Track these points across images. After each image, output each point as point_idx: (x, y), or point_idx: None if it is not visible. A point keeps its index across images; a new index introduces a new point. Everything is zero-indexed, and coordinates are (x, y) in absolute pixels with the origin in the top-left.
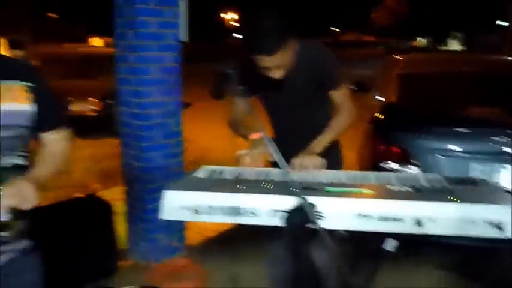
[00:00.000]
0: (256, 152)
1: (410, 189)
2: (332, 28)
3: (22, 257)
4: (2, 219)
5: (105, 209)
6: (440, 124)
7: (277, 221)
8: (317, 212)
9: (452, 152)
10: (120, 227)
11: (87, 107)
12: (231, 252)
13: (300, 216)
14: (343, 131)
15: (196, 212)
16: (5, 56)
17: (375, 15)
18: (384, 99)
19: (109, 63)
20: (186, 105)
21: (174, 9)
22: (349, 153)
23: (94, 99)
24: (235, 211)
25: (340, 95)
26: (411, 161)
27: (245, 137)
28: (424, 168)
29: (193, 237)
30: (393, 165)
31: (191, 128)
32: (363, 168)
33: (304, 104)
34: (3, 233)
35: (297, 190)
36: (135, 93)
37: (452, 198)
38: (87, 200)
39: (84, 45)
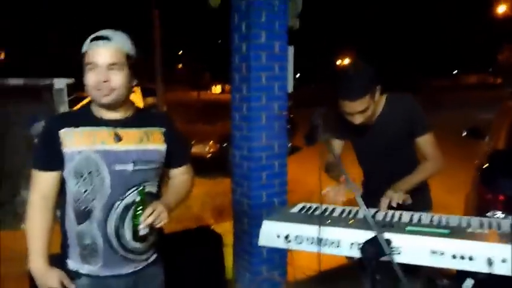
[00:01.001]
0: (341, 188)
1: (487, 232)
2: (455, 71)
3: (150, 266)
4: (142, 233)
5: (216, 240)
6: None
7: (357, 253)
8: (392, 246)
9: None
10: (229, 259)
11: (206, 149)
12: None
13: (374, 249)
14: (429, 177)
15: (288, 240)
16: (146, 109)
17: (502, 56)
18: (492, 146)
19: (225, 109)
20: (297, 148)
21: (282, 64)
22: (455, 198)
23: (212, 143)
24: (320, 241)
25: (427, 142)
26: None
27: (336, 179)
28: None
29: (293, 274)
30: (499, 214)
31: (299, 171)
32: (468, 215)
33: (392, 150)
34: (140, 244)
35: (373, 224)
36: (246, 138)
37: None
38: (202, 231)
39: (206, 93)
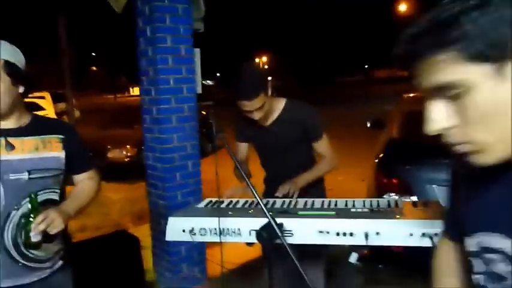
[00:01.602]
0: (238, 190)
1: (367, 210)
2: (366, 66)
3: (55, 273)
4: (33, 240)
5: (133, 243)
6: (435, 157)
7: (254, 239)
8: (285, 229)
9: (445, 182)
10: (149, 261)
11: (123, 153)
12: (249, 283)
13: (268, 233)
14: (323, 175)
15: (192, 233)
16: (45, 117)
17: None
18: (388, 135)
19: None
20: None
21: (189, 66)
22: (360, 186)
23: (129, 147)
24: (222, 232)
25: (322, 145)
26: (410, 191)
27: (240, 179)
28: (421, 198)
29: (214, 269)
30: (394, 196)
31: (220, 169)
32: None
33: (288, 151)
34: (37, 252)
35: (270, 213)
36: (158, 140)
37: (397, 216)
38: (118, 236)
39: (123, 95)
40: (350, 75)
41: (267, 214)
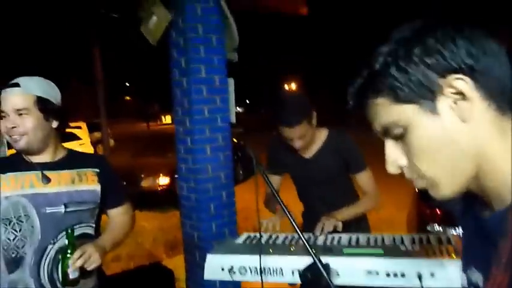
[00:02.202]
0: (275, 219)
1: (418, 248)
2: None
3: None
4: (72, 277)
5: (167, 276)
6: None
7: (299, 279)
8: (330, 270)
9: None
10: None
11: (157, 182)
12: None
13: (313, 274)
14: (364, 211)
15: (232, 272)
16: (80, 151)
17: None
18: None
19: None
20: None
21: (223, 96)
22: (399, 214)
23: (163, 175)
24: (264, 271)
25: (363, 178)
26: (455, 222)
27: (273, 212)
28: None
29: None
30: (437, 227)
31: (253, 197)
32: (410, 231)
33: (329, 184)
34: None
35: (314, 251)
36: (192, 170)
37: (453, 255)
38: (153, 268)
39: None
40: None
41: (312, 253)
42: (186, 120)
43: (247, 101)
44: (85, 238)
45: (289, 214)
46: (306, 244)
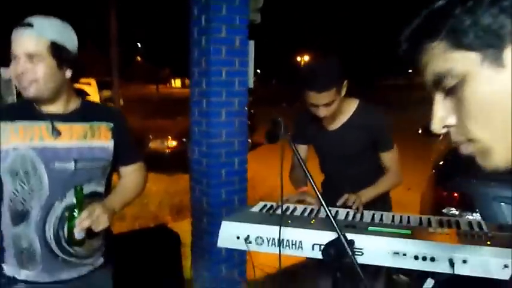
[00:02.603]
0: (294, 196)
1: (448, 232)
2: (409, 70)
3: (96, 271)
4: (77, 237)
5: (174, 239)
6: (504, 172)
7: (319, 255)
8: (355, 247)
9: None
10: (187, 258)
11: (165, 144)
12: None
13: (337, 250)
14: (388, 190)
15: (248, 241)
16: (94, 102)
17: None
18: (447, 144)
19: (185, 104)
20: (257, 145)
21: (243, 59)
22: (413, 195)
23: (171, 138)
24: (282, 243)
25: (389, 157)
26: (473, 207)
27: (297, 188)
28: (486, 215)
29: (254, 273)
30: (454, 211)
31: (260, 167)
32: (424, 212)
33: (353, 159)
34: (79, 249)
35: (335, 226)
36: (205, 134)
37: (488, 242)
38: (159, 231)
39: (165, 87)
40: (390, 79)
41: (338, 229)
42: (202, 81)
43: (258, 71)
44: (94, 197)
45: (315, 186)
46: (331, 218)
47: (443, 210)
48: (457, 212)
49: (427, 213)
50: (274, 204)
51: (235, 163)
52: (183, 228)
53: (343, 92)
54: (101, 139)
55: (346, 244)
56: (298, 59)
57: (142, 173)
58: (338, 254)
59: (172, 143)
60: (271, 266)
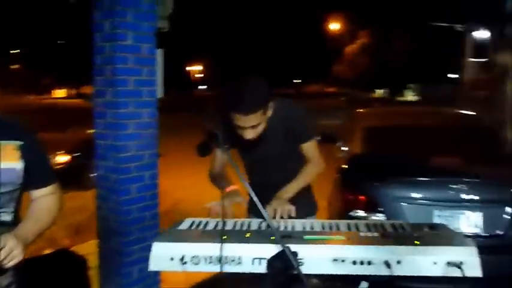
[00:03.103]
0: (227, 202)
1: (378, 235)
2: (295, 80)
3: None
4: None
5: (80, 264)
6: (404, 174)
7: (260, 269)
8: (298, 258)
9: (415, 200)
10: (94, 283)
11: (55, 160)
12: None
13: (283, 263)
14: (310, 180)
15: (183, 262)
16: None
17: (336, 68)
18: (349, 150)
19: (75, 115)
20: (158, 155)
21: (151, 68)
22: (320, 202)
23: (62, 153)
24: (220, 260)
25: (310, 148)
26: (377, 209)
27: (222, 189)
28: (389, 216)
29: None
30: (361, 213)
31: (162, 178)
32: (332, 216)
33: (278, 157)
34: None
35: (278, 239)
36: (112, 148)
37: (416, 242)
38: (61, 255)
39: (47, 97)
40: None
41: (281, 242)
42: (107, 91)
43: None
44: (2, 226)
45: (254, 194)
46: (275, 231)
47: (350, 213)
48: (363, 214)
49: (336, 216)
50: (203, 220)
51: (146, 177)
52: (88, 251)
53: (270, 113)
54: (7, 160)
55: (291, 256)
56: (190, 68)
57: (58, 194)
58: (284, 267)
59: (64, 158)
60: (184, 282)
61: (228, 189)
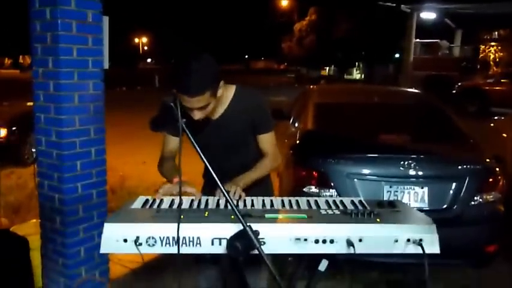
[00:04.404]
0: (174, 189)
1: (339, 213)
2: (245, 56)
3: None
4: None
5: (21, 245)
6: (354, 150)
7: (219, 249)
8: (260, 238)
9: (365, 176)
10: (37, 265)
11: None
12: (155, 284)
13: (244, 243)
14: (266, 173)
15: (138, 244)
16: None
17: (285, 45)
18: (300, 127)
19: (12, 86)
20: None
21: (97, 36)
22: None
23: None
24: (178, 241)
25: (267, 140)
26: (329, 184)
27: (168, 179)
28: (341, 191)
29: (116, 270)
30: (313, 189)
31: (109, 154)
32: (283, 191)
33: (237, 146)
34: None
35: (240, 218)
36: (54, 122)
37: (377, 219)
38: (0, 236)
39: None
40: (229, 64)
41: (242, 221)
42: (48, 60)
43: None
44: None
45: (221, 186)
46: (235, 209)
47: (304, 189)
48: (316, 190)
49: (287, 192)
50: (157, 198)
51: (92, 153)
52: (28, 231)
53: (220, 93)
54: None
55: (252, 236)
56: (136, 40)
57: None
58: (245, 247)
59: (0, 133)
60: (133, 261)
61: (176, 179)
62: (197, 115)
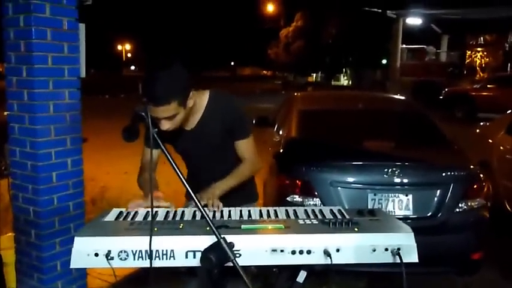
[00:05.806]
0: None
1: (317, 222)
2: (231, 63)
3: None
4: None
5: None
6: (339, 158)
7: (194, 262)
8: (234, 250)
9: (349, 184)
10: (11, 279)
11: None
12: None
13: (218, 256)
14: (244, 179)
15: (109, 258)
16: None
17: (272, 51)
18: (285, 134)
19: None
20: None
21: (73, 44)
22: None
23: None
24: (150, 255)
25: (244, 147)
26: (313, 193)
27: (144, 191)
28: (325, 200)
29: (95, 284)
30: (297, 197)
31: (87, 165)
32: (268, 200)
33: (216, 152)
34: None
35: (214, 230)
36: (29, 132)
37: (355, 229)
38: None
39: None
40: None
41: (216, 233)
42: (21, 69)
43: None
44: None
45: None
46: (209, 221)
47: (287, 199)
48: (300, 199)
49: (271, 201)
50: (131, 210)
51: (69, 164)
52: (2, 246)
53: (191, 103)
54: None
55: (227, 248)
56: (119, 47)
57: None
58: (219, 259)
59: None
60: (113, 275)
61: (156, 194)
62: (165, 125)
